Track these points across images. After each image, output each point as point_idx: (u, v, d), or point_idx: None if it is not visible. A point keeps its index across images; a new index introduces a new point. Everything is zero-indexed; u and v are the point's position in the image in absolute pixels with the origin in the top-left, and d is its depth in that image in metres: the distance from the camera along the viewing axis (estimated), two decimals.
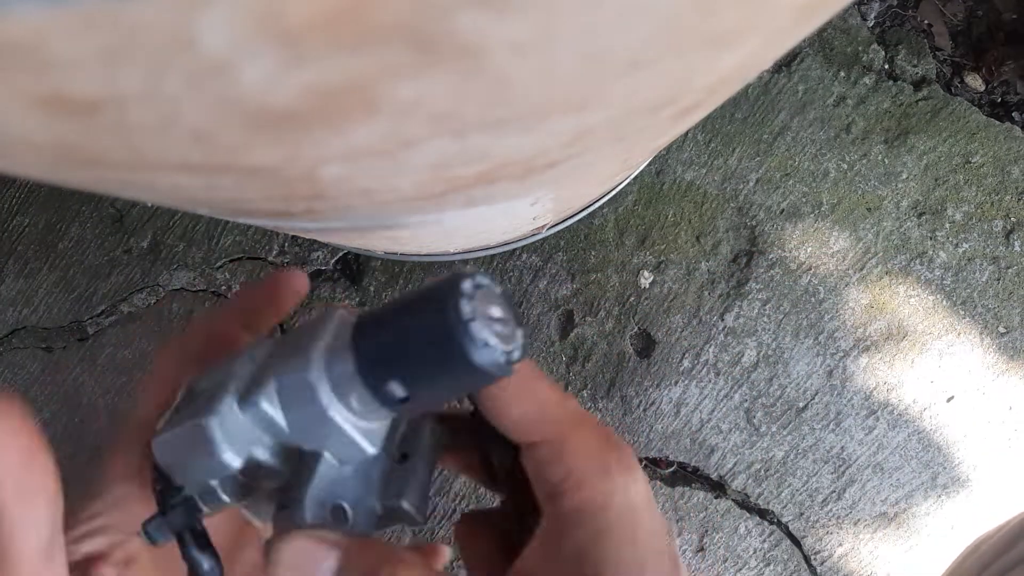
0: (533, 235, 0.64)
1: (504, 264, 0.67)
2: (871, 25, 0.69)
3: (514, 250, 0.67)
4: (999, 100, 0.69)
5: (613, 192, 0.65)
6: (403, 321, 0.22)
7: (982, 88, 0.69)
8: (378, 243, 0.45)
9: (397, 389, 0.22)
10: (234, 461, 0.23)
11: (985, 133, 0.67)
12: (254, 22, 0.10)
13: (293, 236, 0.69)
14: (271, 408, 0.23)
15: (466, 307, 0.21)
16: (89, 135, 0.13)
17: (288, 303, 0.28)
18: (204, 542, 0.24)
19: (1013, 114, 0.69)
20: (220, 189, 0.19)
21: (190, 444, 0.23)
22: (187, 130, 0.13)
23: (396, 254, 0.65)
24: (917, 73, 0.68)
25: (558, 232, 0.67)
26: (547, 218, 0.48)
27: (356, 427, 0.24)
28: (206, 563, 0.24)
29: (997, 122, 0.68)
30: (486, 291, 0.22)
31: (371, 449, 0.24)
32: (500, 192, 0.26)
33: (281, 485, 0.24)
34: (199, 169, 0.16)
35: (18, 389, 0.69)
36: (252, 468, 0.23)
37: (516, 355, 0.22)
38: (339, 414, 0.23)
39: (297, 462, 0.24)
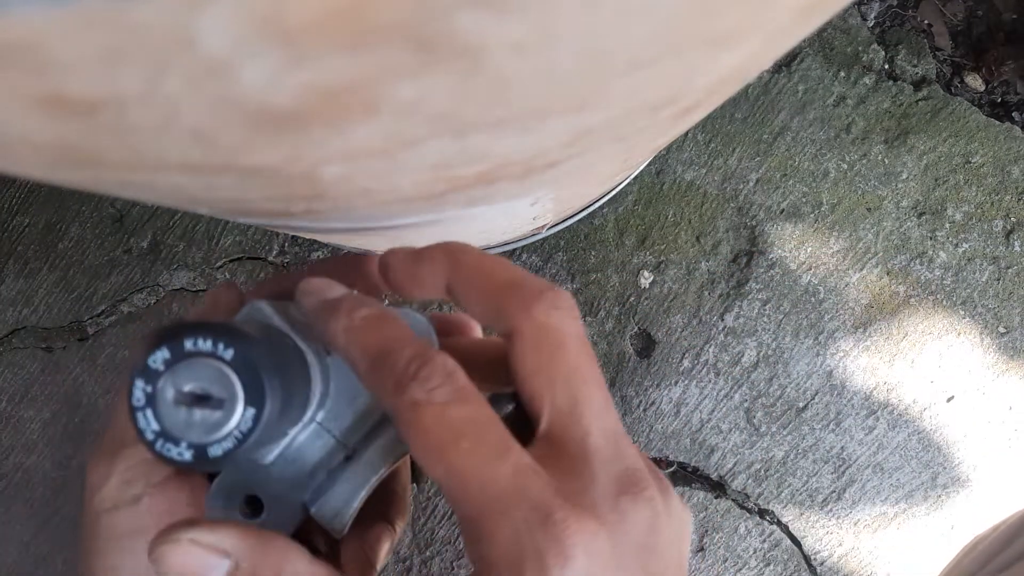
0: (533, 235, 0.64)
1: None
2: (871, 25, 0.69)
3: (514, 250, 0.67)
4: (999, 100, 0.69)
5: (613, 192, 0.65)
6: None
7: (982, 88, 0.69)
8: (378, 243, 0.45)
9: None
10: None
11: (985, 133, 0.67)
12: (254, 22, 0.10)
13: (293, 236, 0.69)
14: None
15: (142, 391, 0.19)
16: (89, 135, 0.13)
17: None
18: None
19: (1013, 114, 0.69)
20: (220, 189, 0.19)
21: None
22: (187, 130, 0.13)
23: None
24: (917, 73, 0.68)
25: (558, 232, 0.67)
26: (547, 218, 0.48)
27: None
28: None
29: (997, 122, 0.68)
30: (192, 361, 0.18)
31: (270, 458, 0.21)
32: (500, 192, 0.26)
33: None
34: (199, 169, 0.16)
35: (18, 389, 0.69)
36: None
37: (222, 447, 0.18)
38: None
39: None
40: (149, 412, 0.18)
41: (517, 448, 0.18)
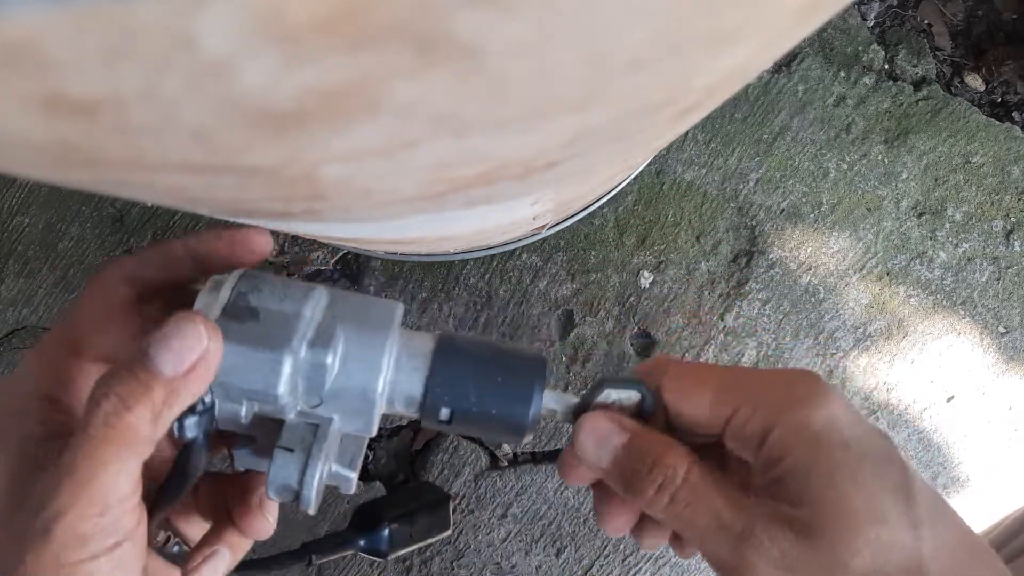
0: (533, 235, 0.64)
1: (504, 264, 0.67)
2: (871, 25, 0.69)
3: (514, 250, 0.67)
4: (999, 100, 0.69)
5: (613, 192, 0.65)
6: (485, 378, 0.26)
7: (982, 88, 0.69)
8: (378, 243, 0.45)
9: (444, 414, 0.26)
10: (284, 398, 0.23)
11: (985, 133, 0.67)
12: (254, 22, 0.10)
13: (293, 236, 0.69)
14: (331, 365, 0.24)
15: (540, 395, 0.26)
16: (89, 135, 0.13)
17: (246, 262, 0.26)
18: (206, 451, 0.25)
19: (1013, 114, 0.69)
20: (220, 189, 0.19)
21: (255, 366, 0.23)
22: (187, 130, 0.13)
23: (396, 254, 0.65)
24: (917, 73, 0.68)
25: (558, 232, 0.67)
26: (547, 218, 0.48)
27: (381, 413, 0.26)
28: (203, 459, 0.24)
29: (997, 122, 0.68)
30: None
31: (375, 432, 0.26)
32: (500, 192, 0.26)
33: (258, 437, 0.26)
34: (199, 169, 0.16)
35: None
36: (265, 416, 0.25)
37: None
38: (382, 400, 0.25)
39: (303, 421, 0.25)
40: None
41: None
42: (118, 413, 0.21)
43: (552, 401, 0.27)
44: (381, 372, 0.25)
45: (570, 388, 0.66)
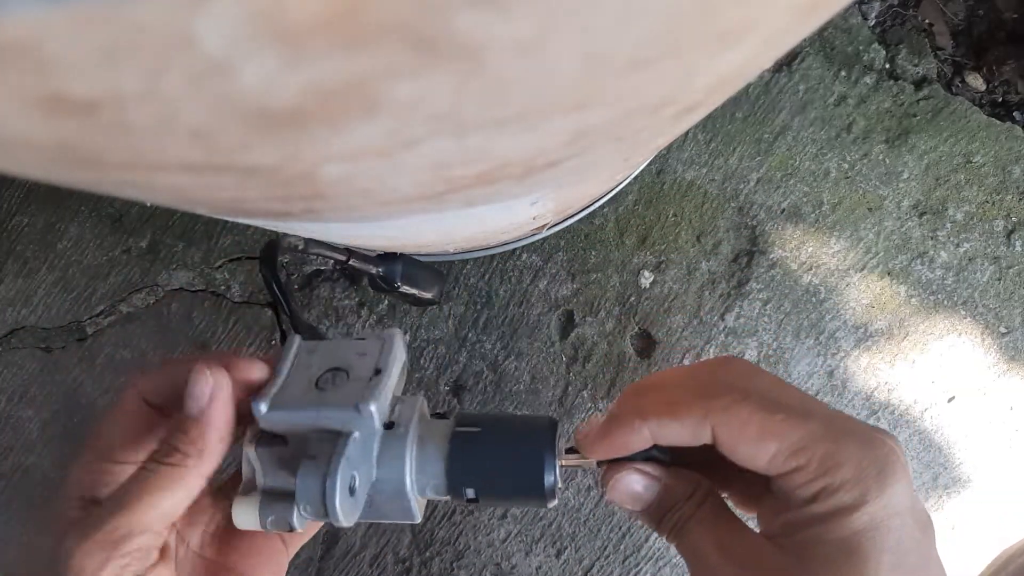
0: (533, 235, 0.64)
1: (504, 264, 0.67)
2: (872, 24, 0.69)
3: (514, 250, 0.67)
4: (1000, 100, 0.69)
5: (613, 192, 0.65)
6: (499, 459, 0.28)
7: (983, 88, 0.69)
8: (378, 243, 0.45)
9: (469, 493, 0.28)
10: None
11: (986, 133, 0.67)
12: (254, 22, 0.10)
13: None
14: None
15: (552, 467, 0.28)
16: (89, 135, 0.13)
17: (246, 387, 0.30)
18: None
19: (1014, 113, 0.69)
20: (220, 189, 0.19)
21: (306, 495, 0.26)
22: (187, 130, 0.13)
23: None
24: (918, 72, 0.68)
25: (558, 232, 0.67)
26: (547, 218, 0.48)
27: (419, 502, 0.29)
28: None
29: (998, 122, 0.68)
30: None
31: (420, 519, 0.29)
32: (500, 192, 0.26)
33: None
34: (199, 169, 0.16)
35: (17, 389, 0.69)
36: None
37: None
38: (414, 494, 0.28)
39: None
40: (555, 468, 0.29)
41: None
42: (166, 452, 0.26)
43: (572, 461, 0.29)
44: (407, 475, 0.28)
45: (570, 388, 0.66)
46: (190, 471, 0.26)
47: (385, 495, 0.28)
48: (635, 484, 0.28)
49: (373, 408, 0.27)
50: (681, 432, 0.26)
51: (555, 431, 0.29)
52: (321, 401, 0.27)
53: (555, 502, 0.29)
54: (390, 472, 0.28)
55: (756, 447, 0.25)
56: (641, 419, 0.27)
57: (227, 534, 0.31)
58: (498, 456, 0.28)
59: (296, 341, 0.30)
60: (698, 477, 0.29)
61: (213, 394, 0.27)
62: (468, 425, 0.29)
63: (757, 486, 0.28)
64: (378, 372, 0.28)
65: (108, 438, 0.30)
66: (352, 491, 0.26)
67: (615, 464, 0.29)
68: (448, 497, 0.29)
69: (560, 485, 0.28)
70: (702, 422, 0.26)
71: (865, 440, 0.25)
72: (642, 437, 0.27)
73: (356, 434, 0.26)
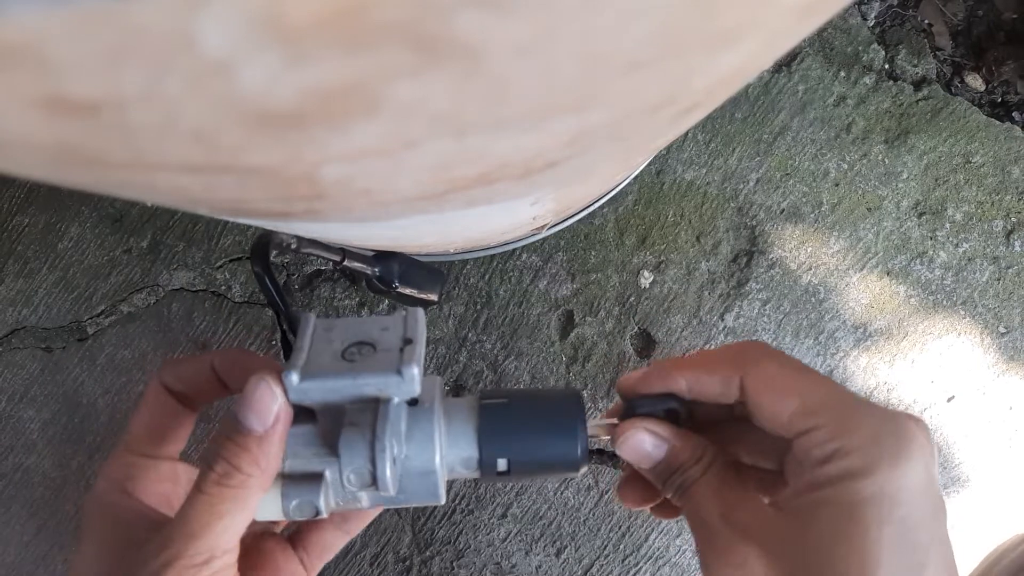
0: (533, 235, 0.64)
1: (504, 264, 0.67)
2: (871, 25, 0.69)
3: (514, 250, 0.67)
4: (999, 100, 0.69)
5: (613, 192, 0.65)
6: (531, 425, 0.28)
7: (982, 88, 0.69)
8: (379, 244, 0.45)
9: (501, 464, 0.28)
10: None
11: (985, 133, 0.67)
12: (254, 22, 0.10)
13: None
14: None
15: (584, 428, 0.28)
16: (89, 136, 0.13)
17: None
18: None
19: (1013, 114, 0.69)
20: (220, 189, 0.19)
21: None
22: (187, 131, 0.13)
23: None
24: (917, 73, 0.68)
25: (558, 232, 0.67)
26: (547, 218, 0.48)
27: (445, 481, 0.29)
28: None
29: (997, 122, 0.68)
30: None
31: (444, 500, 0.29)
32: (500, 192, 0.26)
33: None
34: (199, 169, 0.16)
35: (17, 389, 0.69)
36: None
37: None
38: (443, 471, 0.28)
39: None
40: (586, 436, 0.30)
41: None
42: (228, 473, 0.25)
43: (595, 430, 0.29)
44: (436, 451, 0.27)
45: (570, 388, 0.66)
46: (253, 491, 0.26)
47: (412, 473, 0.27)
48: (644, 443, 0.29)
49: (416, 371, 0.26)
50: (713, 384, 0.28)
51: (581, 398, 0.29)
52: (356, 369, 0.26)
53: (585, 468, 0.29)
54: (419, 448, 0.27)
55: (780, 401, 0.26)
56: (679, 370, 0.29)
57: (243, 562, 0.31)
58: (530, 425, 0.28)
59: (312, 318, 0.28)
60: (706, 442, 0.29)
61: (279, 414, 0.26)
62: (494, 398, 0.29)
63: (772, 471, 0.29)
64: (409, 342, 0.27)
65: (135, 432, 0.31)
66: (394, 460, 0.25)
67: (627, 422, 0.29)
68: (477, 473, 0.28)
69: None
70: (733, 377, 0.28)
71: (887, 414, 0.26)
72: (677, 384, 0.29)
73: (396, 400, 0.26)
